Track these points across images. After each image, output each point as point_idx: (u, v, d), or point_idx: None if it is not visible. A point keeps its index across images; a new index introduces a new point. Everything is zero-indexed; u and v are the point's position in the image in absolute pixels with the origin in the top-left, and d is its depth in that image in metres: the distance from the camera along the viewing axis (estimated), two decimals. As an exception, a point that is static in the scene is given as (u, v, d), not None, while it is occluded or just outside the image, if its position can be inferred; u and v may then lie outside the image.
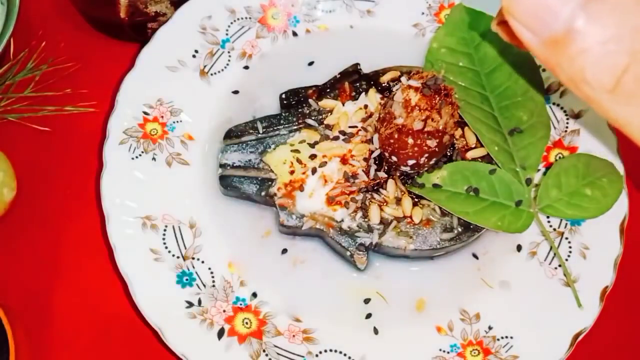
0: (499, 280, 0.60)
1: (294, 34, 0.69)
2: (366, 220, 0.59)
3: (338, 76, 0.64)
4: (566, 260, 0.60)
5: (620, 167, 0.61)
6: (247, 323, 0.58)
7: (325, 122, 0.62)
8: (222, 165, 0.62)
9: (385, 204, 0.59)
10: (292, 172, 0.60)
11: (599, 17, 0.30)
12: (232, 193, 0.61)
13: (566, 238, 0.61)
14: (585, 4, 0.30)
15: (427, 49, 0.65)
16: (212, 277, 0.59)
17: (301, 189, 0.60)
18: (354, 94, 0.64)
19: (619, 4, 0.30)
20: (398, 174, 0.59)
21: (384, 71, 0.65)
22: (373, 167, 0.60)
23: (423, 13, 0.69)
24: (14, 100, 0.66)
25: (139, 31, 0.69)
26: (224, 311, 0.58)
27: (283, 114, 0.63)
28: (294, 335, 0.57)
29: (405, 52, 0.67)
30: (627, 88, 0.30)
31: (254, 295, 0.59)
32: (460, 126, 0.61)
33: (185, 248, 0.60)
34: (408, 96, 0.54)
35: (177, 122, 0.64)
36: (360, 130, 0.61)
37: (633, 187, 0.64)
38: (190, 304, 0.57)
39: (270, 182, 0.61)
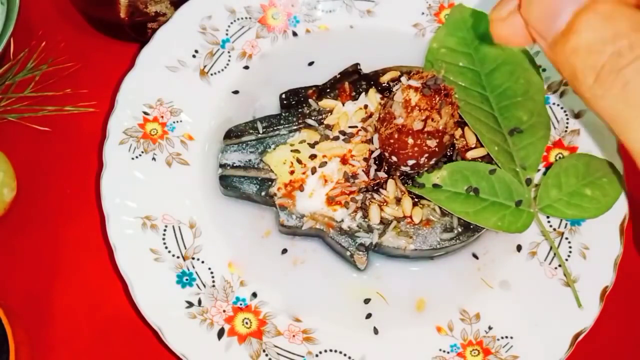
0: (499, 280, 0.60)
1: (294, 34, 0.69)
2: (366, 220, 0.59)
3: (338, 76, 0.64)
4: (566, 260, 0.60)
5: (620, 167, 0.61)
6: (247, 323, 0.58)
7: (325, 122, 0.62)
8: (222, 165, 0.62)
9: (385, 204, 0.59)
10: (292, 172, 0.60)
11: (589, 23, 0.35)
12: (232, 193, 0.61)
13: (566, 238, 0.61)
14: (580, 11, 0.36)
15: (427, 49, 0.65)
16: (212, 277, 0.59)
17: (301, 189, 0.60)
18: (354, 94, 0.64)
19: (608, 14, 0.35)
20: (398, 174, 0.59)
21: (384, 71, 0.65)
22: (373, 167, 0.59)
23: (423, 13, 0.69)
24: (14, 100, 0.66)
25: (139, 31, 0.69)
26: (224, 311, 0.58)
27: (283, 114, 0.63)
28: (294, 335, 0.57)
29: (405, 52, 0.67)
30: (603, 82, 0.35)
31: (254, 295, 0.59)
32: (460, 126, 0.61)
33: (185, 248, 0.60)
34: (408, 96, 0.54)
35: (177, 122, 0.64)
36: (360, 130, 0.61)
37: (633, 187, 0.64)
38: (190, 304, 0.57)
39: (270, 182, 0.61)
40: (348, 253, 0.59)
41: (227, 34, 0.68)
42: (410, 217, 0.59)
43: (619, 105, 0.35)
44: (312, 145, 0.61)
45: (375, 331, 0.58)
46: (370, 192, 0.59)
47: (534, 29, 0.38)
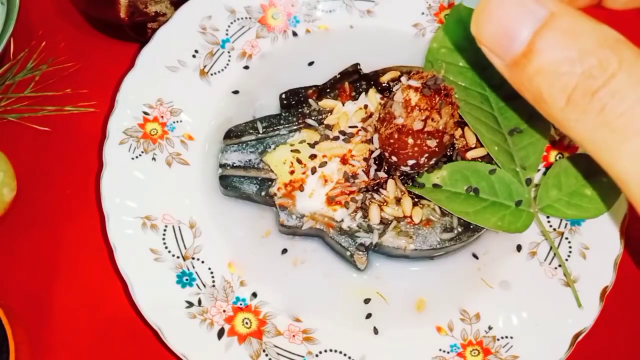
0: (499, 280, 0.60)
1: (294, 34, 0.69)
2: (366, 220, 0.59)
3: (338, 76, 0.64)
4: (566, 260, 0.60)
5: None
6: (247, 323, 0.58)
7: (325, 122, 0.62)
8: (222, 165, 0.62)
9: (385, 204, 0.59)
10: (292, 172, 0.60)
11: (552, 41, 0.33)
12: (232, 193, 0.61)
13: (566, 238, 0.61)
14: (540, 29, 0.34)
15: (427, 49, 0.65)
16: (212, 277, 0.59)
17: (301, 189, 0.60)
18: (354, 94, 0.64)
19: (570, 30, 0.33)
20: (398, 174, 0.59)
21: (384, 71, 0.65)
22: (373, 167, 0.59)
23: (423, 13, 0.69)
24: (14, 100, 0.66)
25: (139, 31, 0.69)
26: (224, 311, 0.58)
27: (283, 114, 0.63)
28: (294, 335, 0.57)
29: (405, 52, 0.67)
30: (576, 105, 0.33)
31: (254, 295, 0.59)
32: (460, 126, 0.61)
33: (185, 248, 0.60)
34: (408, 96, 0.54)
35: (177, 122, 0.64)
36: (360, 130, 0.61)
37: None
38: (190, 304, 0.57)
39: (270, 182, 0.61)
40: (348, 253, 0.59)
41: (227, 34, 0.68)
42: (410, 217, 0.59)
43: (598, 130, 0.33)
44: (312, 145, 0.61)
45: (375, 331, 0.58)
46: (370, 192, 0.59)
47: (488, 49, 0.36)
